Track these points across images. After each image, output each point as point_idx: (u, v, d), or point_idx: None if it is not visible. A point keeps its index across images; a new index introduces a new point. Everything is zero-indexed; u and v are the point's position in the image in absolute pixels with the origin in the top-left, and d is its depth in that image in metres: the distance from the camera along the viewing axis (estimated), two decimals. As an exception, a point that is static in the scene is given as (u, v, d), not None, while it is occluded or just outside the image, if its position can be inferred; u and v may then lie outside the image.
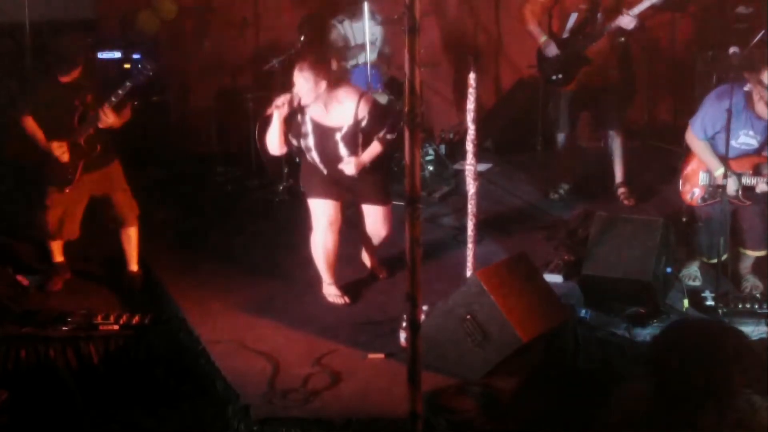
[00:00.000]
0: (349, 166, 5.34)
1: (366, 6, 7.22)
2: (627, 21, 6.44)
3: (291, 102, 5.26)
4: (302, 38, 7.46)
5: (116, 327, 5.37)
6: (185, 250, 6.54)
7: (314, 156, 5.44)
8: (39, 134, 5.66)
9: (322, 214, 5.51)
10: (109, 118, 5.60)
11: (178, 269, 6.17)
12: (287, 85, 7.19)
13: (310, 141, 5.40)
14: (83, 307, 5.60)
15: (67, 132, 5.66)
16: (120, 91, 5.57)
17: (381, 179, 5.57)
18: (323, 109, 5.33)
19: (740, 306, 5.31)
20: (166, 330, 5.47)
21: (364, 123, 5.30)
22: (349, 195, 5.59)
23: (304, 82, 5.23)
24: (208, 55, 7.86)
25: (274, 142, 5.40)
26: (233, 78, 8.48)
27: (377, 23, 7.53)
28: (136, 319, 5.44)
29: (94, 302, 5.75)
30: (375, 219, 5.65)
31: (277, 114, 5.29)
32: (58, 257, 6.02)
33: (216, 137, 7.92)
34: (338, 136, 5.34)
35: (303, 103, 5.28)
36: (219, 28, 7.99)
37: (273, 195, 7.32)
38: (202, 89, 8.14)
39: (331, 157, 5.40)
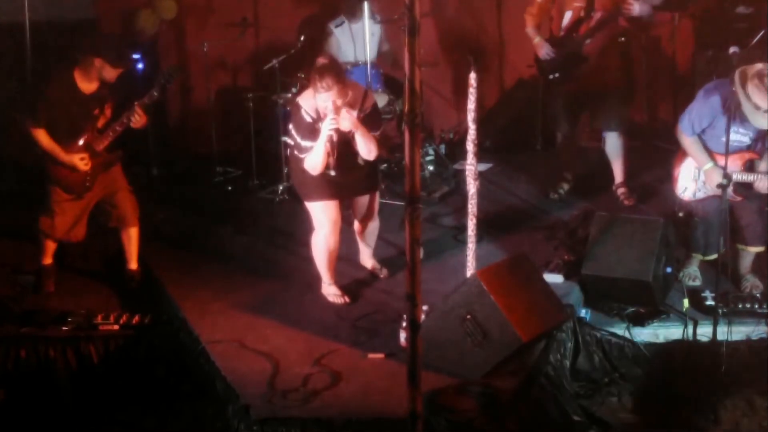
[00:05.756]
0: (345, 120, 5.26)
1: (366, 6, 7.22)
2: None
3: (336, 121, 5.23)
4: (302, 38, 7.46)
5: (116, 327, 5.38)
6: (185, 250, 6.53)
7: (331, 160, 5.38)
8: (56, 148, 5.60)
9: (324, 215, 5.52)
10: (142, 118, 5.60)
11: (178, 269, 6.17)
12: (287, 85, 7.29)
13: (328, 147, 5.33)
14: (83, 307, 5.60)
15: (84, 140, 5.64)
16: (155, 92, 5.60)
17: (374, 166, 5.66)
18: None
19: (740, 306, 5.32)
20: (166, 330, 5.47)
21: (363, 115, 5.36)
22: (345, 191, 5.59)
23: (340, 100, 5.20)
24: (208, 55, 7.85)
25: (320, 163, 5.33)
26: (233, 78, 8.48)
27: (377, 23, 7.53)
28: (136, 319, 5.45)
29: (94, 302, 5.75)
30: (370, 206, 5.73)
31: (327, 138, 5.24)
32: (48, 259, 5.97)
33: (216, 137, 7.92)
34: (351, 133, 5.40)
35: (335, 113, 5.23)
36: (219, 28, 7.99)
37: (273, 195, 7.32)
38: (202, 89, 8.13)
39: (348, 155, 5.41)
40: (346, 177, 5.47)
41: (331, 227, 5.53)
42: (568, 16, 6.70)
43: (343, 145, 5.37)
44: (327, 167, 5.38)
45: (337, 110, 5.21)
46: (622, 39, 6.80)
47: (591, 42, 6.64)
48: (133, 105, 5.60)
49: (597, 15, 6.57)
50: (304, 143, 5.36)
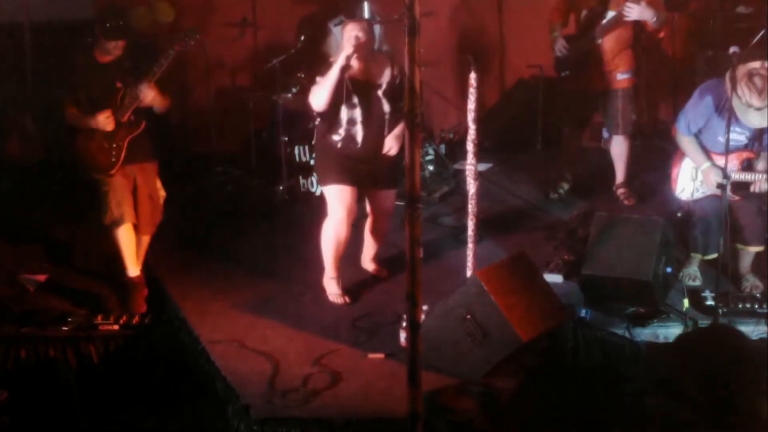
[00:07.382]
0: (391, 147, 5.41)
1: (366, 6, 7.23)
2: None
3: (350, 57, 5.24)
4: (302, 38, 7.47)
5: (116, 327, 5.38)
6: (185, 250, 6.54)
7: (357, 118, 5.38)
8: (79, 114, 5.62)
9: (339, 201, 5.47)
10: (149, 94, 5.57)
11: (178, 269, 6.17)
12: (287, 85, 7.29)
13: (355, 100, 5.35)
14: (83, 307, 5.60)
15: (106, 108, 5.61)
16: (162, 60, 5.59)
17: (396, 160, 5.57)
18: (364, 68, 5.36)
19: (740, 306, 5.31)
20: (166, 330, 5.48)
21: (398, 80, 5.38)
22: (365, 180, 5.55)
23: (364, 36, 5.24)
24: (208, 55, 7.85)
25: (325, 96, 5.30)
26: (233, 78, 8.49)
27: (376, 22, 7.54)
28: (136, 319, 5.45)
29: (94, 302, 5.75)
30: (385, 202, 5.71)
31: (341, 64, 5.22)
32: (133, 269, 5.84)
33: (216, 137, 7.92)
34: (380, 92, 5.40)
35: (358, 59, 5.26)
36: (219, 28, 7.99)
37: (273, 195, 7.32)
38: (202, 89, 8.14)
39: (375, 117, 5.40)
40: (370, 164, 5.46)
41: (344, 214, 5.46)
42: (584, 15, 6.70)
43: (369, 99, 5.35)
44: (353, 142, 5.38)
45: (358, 47, 5.20)
46: (633, 41, 6.78)
47: (602, 42, 6.63)
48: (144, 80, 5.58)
49: (609, 15, 6.57)
50: (319, 78, 5.34)
